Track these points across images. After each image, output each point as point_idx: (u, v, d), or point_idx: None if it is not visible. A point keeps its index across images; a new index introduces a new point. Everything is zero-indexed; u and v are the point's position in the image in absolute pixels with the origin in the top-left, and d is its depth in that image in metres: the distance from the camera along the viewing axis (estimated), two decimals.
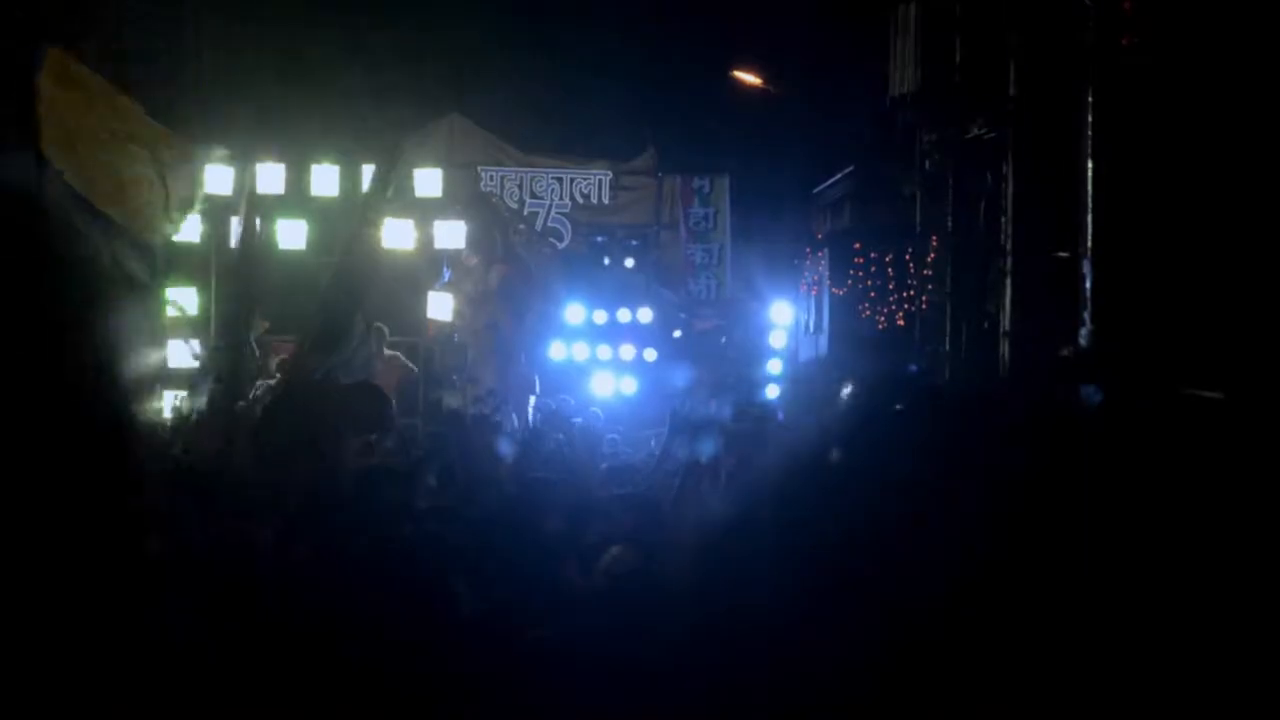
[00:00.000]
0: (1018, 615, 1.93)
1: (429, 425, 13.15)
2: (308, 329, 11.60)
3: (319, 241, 15.04)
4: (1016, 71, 13.13)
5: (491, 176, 21.92)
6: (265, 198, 15.20)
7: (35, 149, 13.73)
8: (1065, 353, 11.39)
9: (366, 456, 8.83)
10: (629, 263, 21.13)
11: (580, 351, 19.58)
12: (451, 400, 14.59)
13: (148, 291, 14.13)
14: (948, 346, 15.54)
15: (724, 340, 21.20)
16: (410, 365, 15.14)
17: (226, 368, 12.37)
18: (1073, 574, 2.24)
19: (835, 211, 23.52)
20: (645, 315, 19.99)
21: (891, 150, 18.34)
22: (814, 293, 21.70)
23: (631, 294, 20.42)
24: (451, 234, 15.78)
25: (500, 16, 21.19)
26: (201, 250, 15.04)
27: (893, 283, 17.87)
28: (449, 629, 4.00)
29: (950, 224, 15.71)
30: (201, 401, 11.66)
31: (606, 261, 21.08)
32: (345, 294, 11.68)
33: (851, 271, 18.89)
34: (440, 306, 15.75)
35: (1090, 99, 11.27)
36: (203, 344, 14.14)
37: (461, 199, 17.52)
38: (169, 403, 13.60)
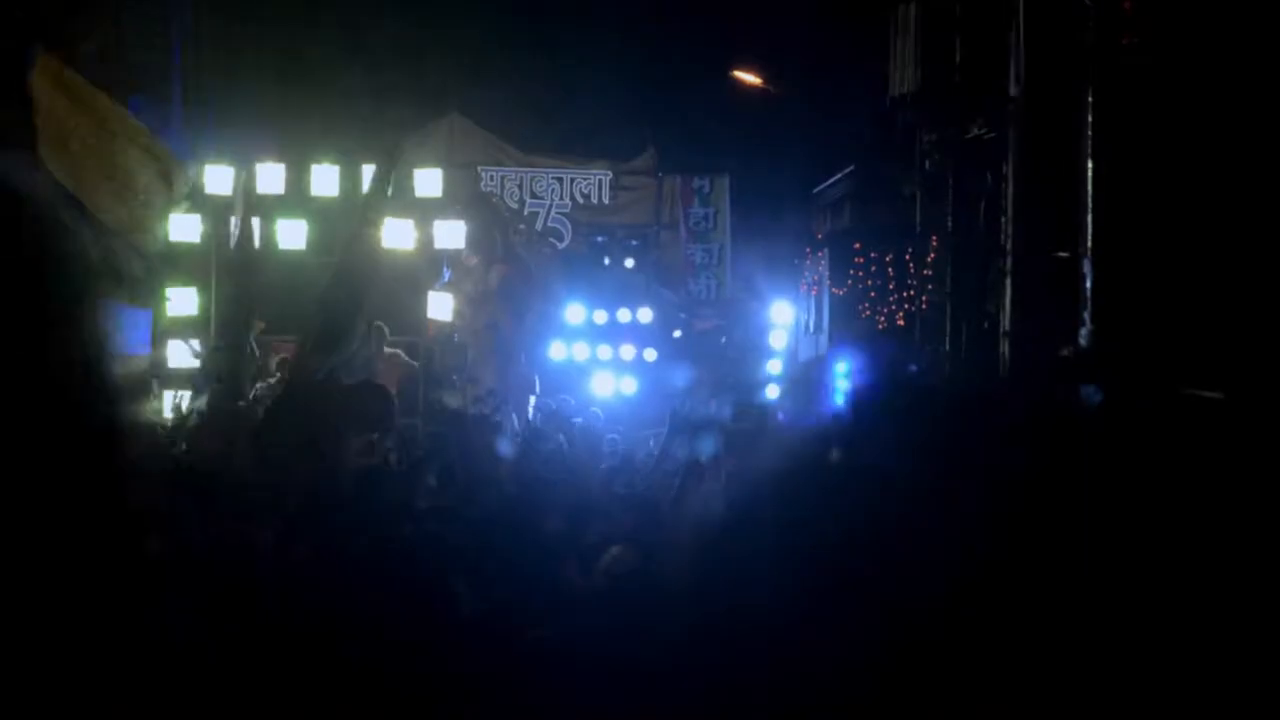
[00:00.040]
0: (1018, 615, 1.93)
1: (429, 425, 13.14)
2: (309, 329, 11.60)
3: (319, 241, 15.03)
4: (1016, 72, 13.12)
5: (491, 176, 21.92)
6: (265, 198, 15.20)
7: (32, 148, 13.75)
8: (1065, 353, 11.39)
9: (368, 456, 8.84)
10: (629, 263, 21.14)
11: (580, 351, 19.59)
12: (451, 400, 14.58)
13: (140, 289, 14.14)
14: (948, 346, 15.54)
15: (724, 340, 21.21)
16: (411, 362, 15.15)
17: (226, 368, 12.37)
18: (1072, 574, 2.24)
19: (835, 211, 23.52)
20: (645, 315, 20.00)
21: (891, 150, 18.34)
22: (814, 293, 21.70)
23: (631, 294, 20.42)
24: (451, 234, 15.78)
25: (500, 16, 21.20)
26: (201, 250, 15.04)
27: (893, 283, 17.87)
28: (449, 629, 4.00)
29: (950, 224, 15.71)
30: (202, 401, 11.66)
31: (606, 261, 21.08)
32: (347, 294, 11.68)
33: (851, 271, 18.89)
34: (440, 306, 15.75)
35: (1090, 99, 11.27)
36: (203, 344, 14.15)
37: (461, 199, 17.52)
38: (169, 403, 13.62)
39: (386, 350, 14.61)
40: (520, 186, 22.18)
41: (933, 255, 16.27)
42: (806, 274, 22.04)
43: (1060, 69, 11.96)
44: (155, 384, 13.33)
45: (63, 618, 1.35)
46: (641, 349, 19.73)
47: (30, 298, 1.41)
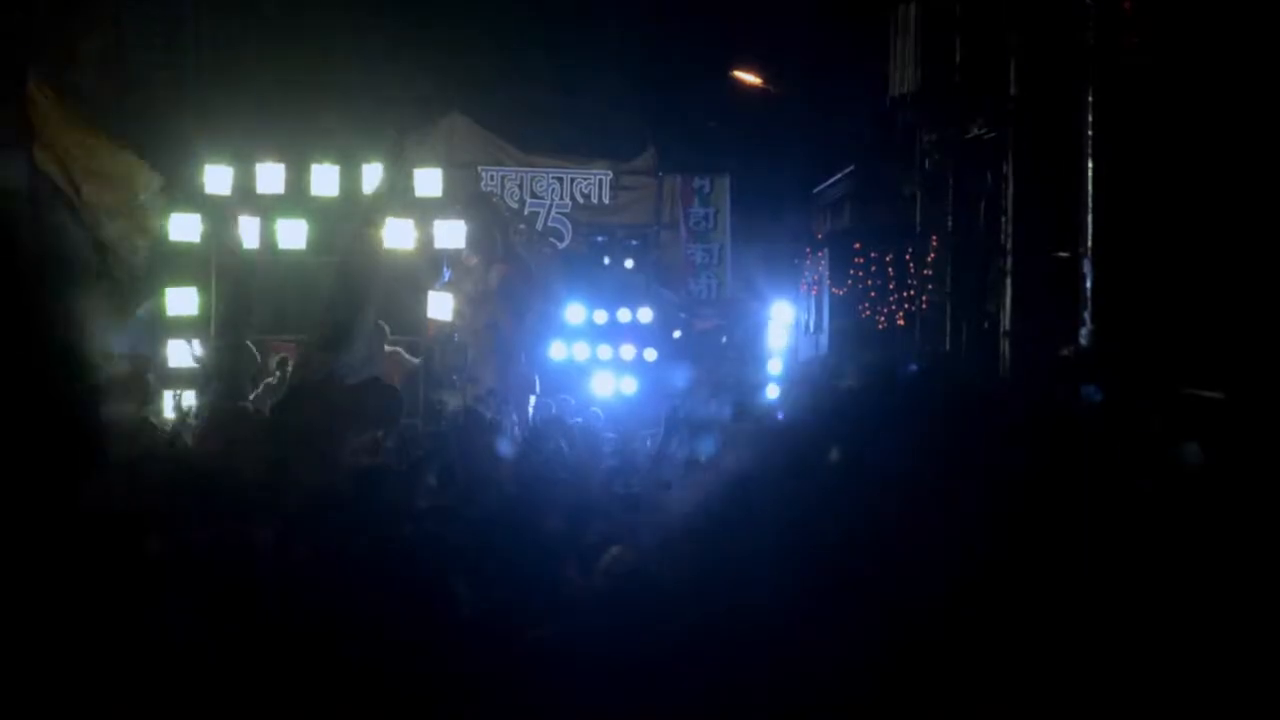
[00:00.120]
0: (1018, 615, 1.93)
1: (429, 425, 13.15)
2: (315, 328, 11.61)
3: (319, 241, 15.04)
4: (1016, 71, 13.12)
5: (491, 176, 21.92)
6: (265, 197, 15.22)
7: (29, 148, 13.76)
8: (1065, 353, 11.39)
9: (374, 454, 8.85)
10: (629, 263, 21.13)
11: (580, 351, 19.59)
12: (452, 400, 14.60)
13: (135, 288, 14.15)
14: (948, 346, 15.53)
15: (724, 340, 21.21)
16: (411, 359, 15.16)
17: (227, 368, 12.39)
18: (1073, 574, 2.24)
19: (835, 211, 23.50)
20: (645, 315, 19.99)
21: (891, 150, 18.33)
22: (814, 292, 21.68)
23: (631, 294, 20.42)
24: (451, 234, 15.78)
25: (500, 16, 21.18)
26: (201, 250, 15.05)
27: (893, 283, 17.86)
28: (449, 629, 4.00)
29: (950, 224, 15.70)
30: (204, 401, 11.68)
31: (606, 261, 21.07)
32: (351, 293, 11.70)
33: (851, 271, 18.88)
34: (440, 306, 15.76)
35: (1090, 99, 11.27)
36: (203, 344, 14.16)
37: (461, 199, 17.52)
38: (169, 402, 13.63)
39: (386, 349, 14.61)
40: (520, 186, 22.17)
41: (933, 255, 16.26)
42: (806, 274, 22.02)
43: (1060, 69, 11.96)
44: (152, 383, 13.35)
45: (61, 617, 1.35)
46: (641, 349, 19.73)
47: (20, 295, 1.41)
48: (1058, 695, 1.94)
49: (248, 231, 15.01)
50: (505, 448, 10.74)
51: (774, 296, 21.17)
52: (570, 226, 22.17)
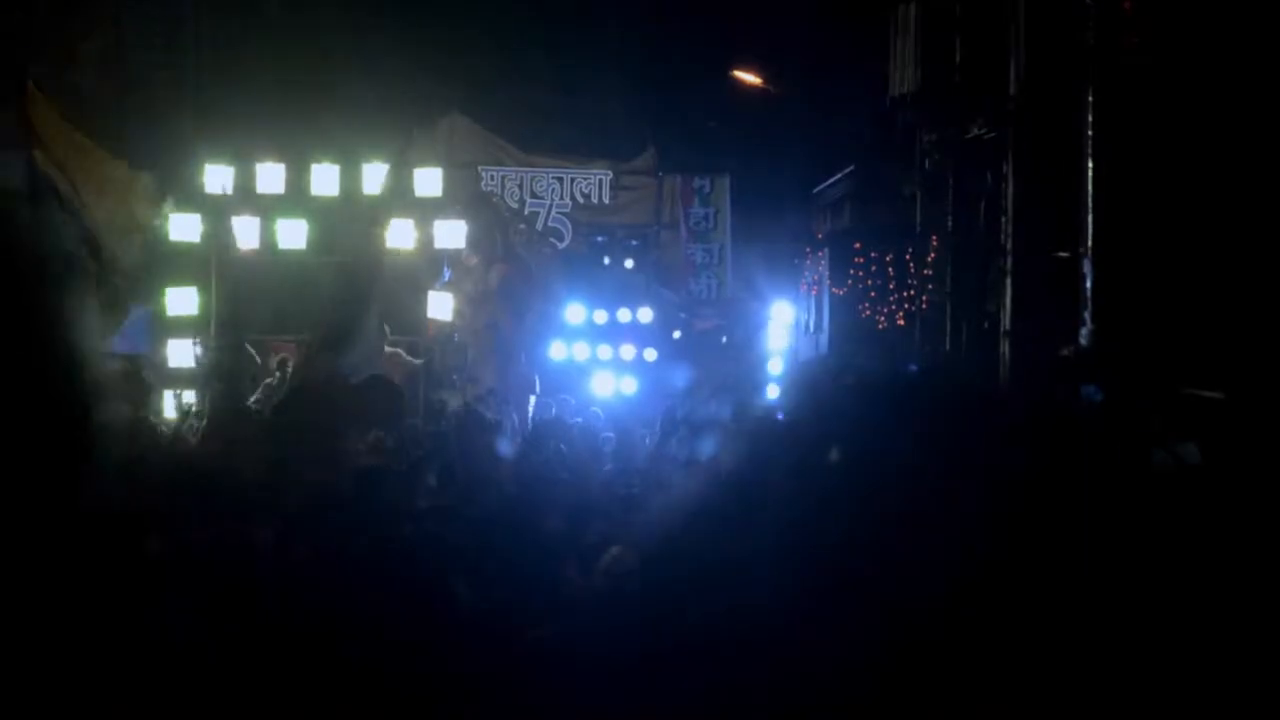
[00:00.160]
0: (1018, 615, 1.93)
1: (429, 425, 13.15)
2: (318, 328, 11.63)
3: (319, 241, 15.04)
4: (1016, 71, 13.12)
5: (491, 176, 21.92)
6: (265, 197, 15.22)
7: (28, 148, 13.77)
8: (1065, 353, 11.39)
9: (377, 453, 8.86)
10: (629, 263, 21.14)
11: (580, 351, 19.59)
12: (452, 400, 14.60)
13: (132, 288, 14.15)
14: (948, 346, 15.53)
15: (724, 340, 21.21)
16: (412, 359, 15.17)
17: (227, 368, 12.39)
18: (1073, 574, 2.24)
19: (835, 211, 23.50)
20: (645, 315, 20.00)
21: (891, 150, 18.34)
22: (814, 292, 21.68)
23: (631, 294, 20.42)
24: (451, 234, 15.79)
25: (500, 16, 21.18)
26: (201, 250, 15.05)
27: (893, 283, 17.86)
28: (449, 629, 4.00)
29: (950, 224, 15.70)
30: (204, 401, 11.68)
31: (606, 261, 21.08)
32: (355, 292, 11.72)
33: (851, 271, 18.88)
34: (440, 306, 15.76)
35: (1090, 99, 11.26)
36: (203, 344, 14.16)
37: (461, 199, 17.53)
38: (170, 402, 13.63)
39: (387, 350, 14.62)
40: (520, 186, 22.17)
41: (933, 255, 16.27)
42: (806, 274, 22.02)
43: (1060, 69, 11.96)
44: (148, 383, 13.34)
45: (61, 617, 1.35)
46: (641, 349, 19.73)
47: (20, 295, 1.41)
48: (1058, 695, 1.94)
49: (248, 232, 15.02)
50: (505, 448, 10.74)
51: (774, 296, 21.17)
52: (570, 226, 22.17)
